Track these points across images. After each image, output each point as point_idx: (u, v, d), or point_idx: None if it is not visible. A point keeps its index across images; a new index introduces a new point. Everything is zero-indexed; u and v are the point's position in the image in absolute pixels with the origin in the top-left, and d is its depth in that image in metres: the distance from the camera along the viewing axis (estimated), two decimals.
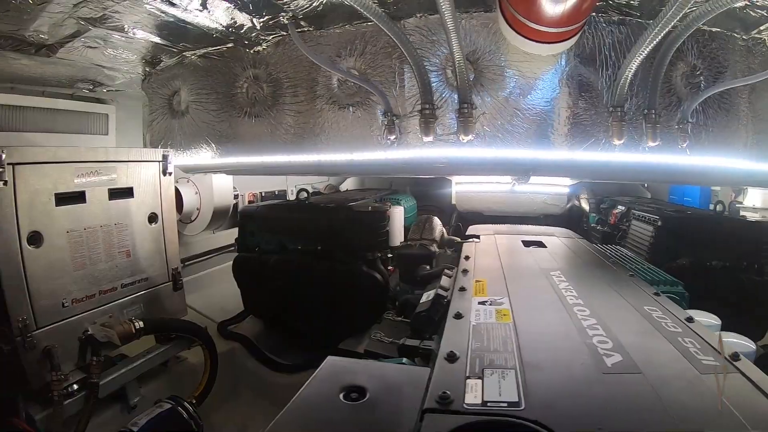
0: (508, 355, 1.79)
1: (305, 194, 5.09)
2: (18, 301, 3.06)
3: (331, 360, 1.84)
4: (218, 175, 5.76)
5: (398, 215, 5.26)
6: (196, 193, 5.69)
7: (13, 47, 3.78)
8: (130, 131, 5.89)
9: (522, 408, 1.44)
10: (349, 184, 8.97)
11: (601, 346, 1.88)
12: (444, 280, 2.90)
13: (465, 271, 3.03)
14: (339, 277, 4.58)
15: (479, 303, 2.42)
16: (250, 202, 6.74)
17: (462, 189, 7.50)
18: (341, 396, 1.57)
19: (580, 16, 2.64)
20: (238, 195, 6.30)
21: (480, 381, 1.60)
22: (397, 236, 5.14)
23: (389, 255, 4.77)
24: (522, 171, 4.23)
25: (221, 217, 5.94)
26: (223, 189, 5.90)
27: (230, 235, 6.38)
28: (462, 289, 2.66)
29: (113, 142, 5.69)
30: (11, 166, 2.96)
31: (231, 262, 5.28)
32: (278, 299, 4.96)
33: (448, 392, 1.49)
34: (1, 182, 2.92)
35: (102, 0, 3.17)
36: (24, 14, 3.21)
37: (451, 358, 1.76)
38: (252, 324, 5.39)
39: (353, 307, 4.59)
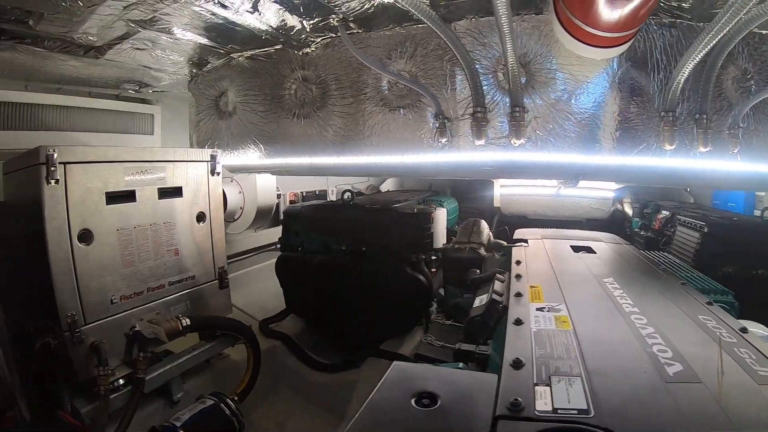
0: (573, 363, 1.79)
1: (350, 195, 5.10)
2: (67, 297, 3.12)
3: (398, 365, 1.84)
4: (262, 175, 5.81)
5: (441, 217, 5.24)
6: (240, 192, 5.74)
7: (61, 49, 3.83)
8: (174, 131, 5.98)
9: (592, 415, 1.44)
10: (388, 185, 8.98)
11: (662, 355, 1.86)
12: (497, 285, 2.89)
13: (518, 276, 3.01)
14: (382, 278, 4.57)
15: (537, 309, 2.40)
16: (291, 201, 6.80)
17: (507, 192, 7.46)
18: (413, 401, 1.57)
19: (637, 21, 2.59)
20: (280, 195, 6.35)
21: (548, 388, 1.59)
22: (440, 238, 5.12)
23: (433, 257, 4.75)
24: (572, 175, 4.18)
25: (264, 216, 5.99)
26: (266, 189, 5.94)
27: (271, 234, 6.46)
28: (518, 294, 2.65)
29: (158, 142, 5.78)
30: (63, 165, 3.02)
31: (271, 261, 5.32)
32: (320, 299, 4.98)
33: (519, 399, 1.50)
34: (53, 181, 2.98)
35: (152, 2, 3.19)
36: (74, 16, 3.25)
37: (517, 364, 1.76)
38: (293, 323, 5.42)
39: (395, 308, 4.58)
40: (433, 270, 4.71)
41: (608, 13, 2.43)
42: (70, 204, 3.07)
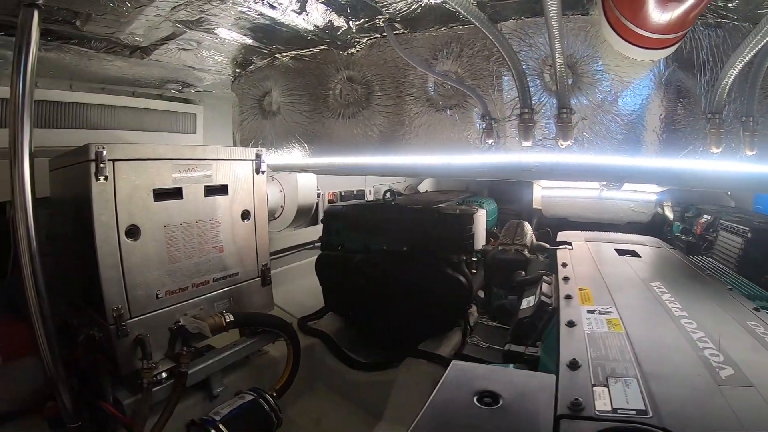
0: (627, 365, 1.82)
1: (391, 195, 5.11)
2: (114, 291, 3.17)
3: (456, 365, 1.89)
4: (303, 174, 5.86)
5: (482, 219, 5.22)
6: (281, 191, 5.80)
7: (107, 49, 3.92)
8: (216, 130, 6.06)
9: (650, 416, 1.47)
10: (426, 185, 8.97)
11: (713, 359, 1.88)
12: (544, 287, 2.89)
13: (566, 279, 3.02)
14: (423, 278, 4.57)
15: (588, 312, 2.43)
16: (329, 201, 6.85)
17: (548, 193, 7.40)
18: (475, 400, 1.59)
19: (687, 24, 2.57)
20: (319, 194, 6.39)
21: (606, 389, 1.62)
22: (480, 240, 5.10)
23: (474, 258, 4.74)
24: (617, 178, 4.15)
25: (304, 215, 6.04)
26: (307, 188, 5.99)
27: (309, 233, 6.51)
28: (568, 296, 2.66)
29: (201, 141, 5.87)
30: (111, 163, 3.07)
31: (309, 259, 5.37)
32: (360, 298, 5.01)
33: (579, 399, 1.52)
34: (102, 177, 3.03)
35: (200, 3, 3.24)
36: (121, 17, 3.32)
37: (574, 365, 1.79)
38: (332, 321, 5.43)
39: (435, 309, 4.58)
40: (473, 271, 4.70)
41: (659, 15, 2.41)
42: (118, 200, 3.13)
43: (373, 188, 8.10)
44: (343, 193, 7.36)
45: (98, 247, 3.06)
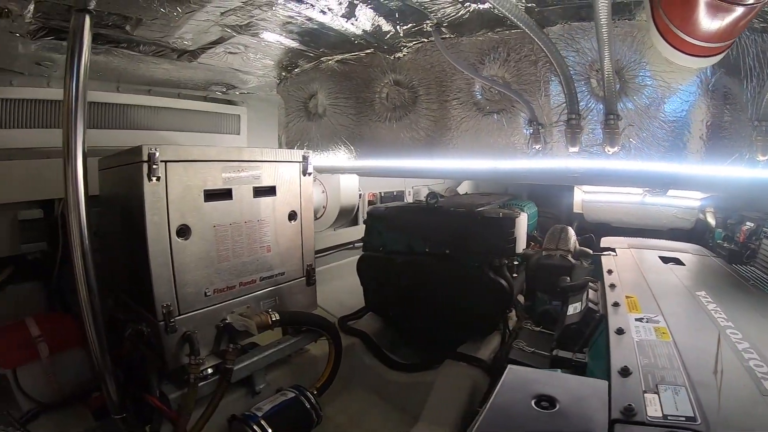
0: (676, 373, 1.84)
1: (434, 197, 5.13)
2: (164, 288, 3.26)
3: (513, 369, 1.93)
4: (345, 175, 5.91)
5: (523, 222, 5.20)
6: (323, 192, 5.86)
7: (155, 53, 4.02)
8: (259, 131, 6.15)
9: (698, 423, 1.51)
10: (465, 187, 8.96)
11: (758, 369, 1.89)
12: (590, 294, 2.90)
13: (612, 286, 3.03)
14: (464, 281, 4.58)
15: (636, 319, 2.45)
16: (370, 201, 6.89)
17: (590, 198, 7.32)
18: (533, 403, 1.63)
19: (736, 32, 2.56)
20: (361, 195, 6.44)
21: (656, 396, 1.66)
22: (521, 243, 5.11)
23: (515, 262, 4.74)
24: (662, 184, 4.13)
25: (346, 215, 6.09)
26: (349, 189, 6.05)
27: (349, 234, 6.57)
28: (615, 304, 2.68)
29: (245, 142, 5.96)
30: (164, 164, 3.15)
31: (349, 259, 5.40)
32: (401, 299, 5.04)
33: (632, 404, 1.55)
34: (155, 178, 3.11)
35: (250, 9, 3.30)
36: (171, 22, 3.40)
37: (625, 372, 1.83)
38: (371, 321, 5.45)
39: (475, 312, 4.59)
40: (514, 275, 4.70)
41: (708, 23, 2.40)
42: (169, 200, 3.21)
43: (412, 189, 8.14)
44: (383, 194, 7.40)
45: (150, 245, 3.15)
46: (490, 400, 1.69)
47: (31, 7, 2.95)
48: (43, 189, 4.18)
